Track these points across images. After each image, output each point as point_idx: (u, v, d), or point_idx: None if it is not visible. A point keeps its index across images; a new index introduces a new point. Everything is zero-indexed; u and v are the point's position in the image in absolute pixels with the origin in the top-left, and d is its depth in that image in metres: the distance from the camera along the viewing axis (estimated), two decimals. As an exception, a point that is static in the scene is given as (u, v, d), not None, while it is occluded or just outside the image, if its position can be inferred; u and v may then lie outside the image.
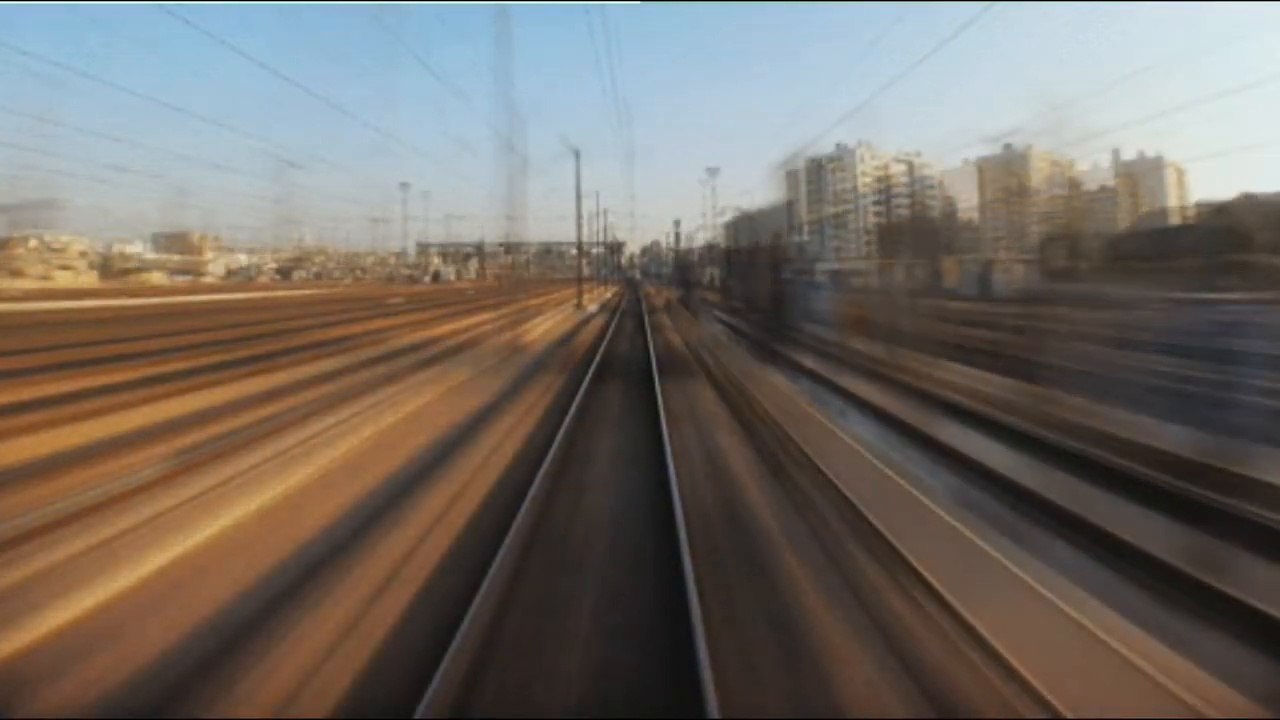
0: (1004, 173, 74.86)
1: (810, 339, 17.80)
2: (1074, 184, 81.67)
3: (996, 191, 75.81)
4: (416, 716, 2.99)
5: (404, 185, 74.69)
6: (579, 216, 35.27)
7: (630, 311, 28.45)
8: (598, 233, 62.80)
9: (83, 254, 72.09)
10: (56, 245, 69.42)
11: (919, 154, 71.62)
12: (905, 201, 71.67)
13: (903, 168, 71.41)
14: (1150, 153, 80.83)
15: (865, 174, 69.16)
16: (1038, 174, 74.60)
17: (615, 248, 73.34)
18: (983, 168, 73.55)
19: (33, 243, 67.60)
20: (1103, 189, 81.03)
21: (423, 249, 77.99)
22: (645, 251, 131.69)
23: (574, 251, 77.33)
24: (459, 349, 16.87)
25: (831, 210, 70.26)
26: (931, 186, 72.89)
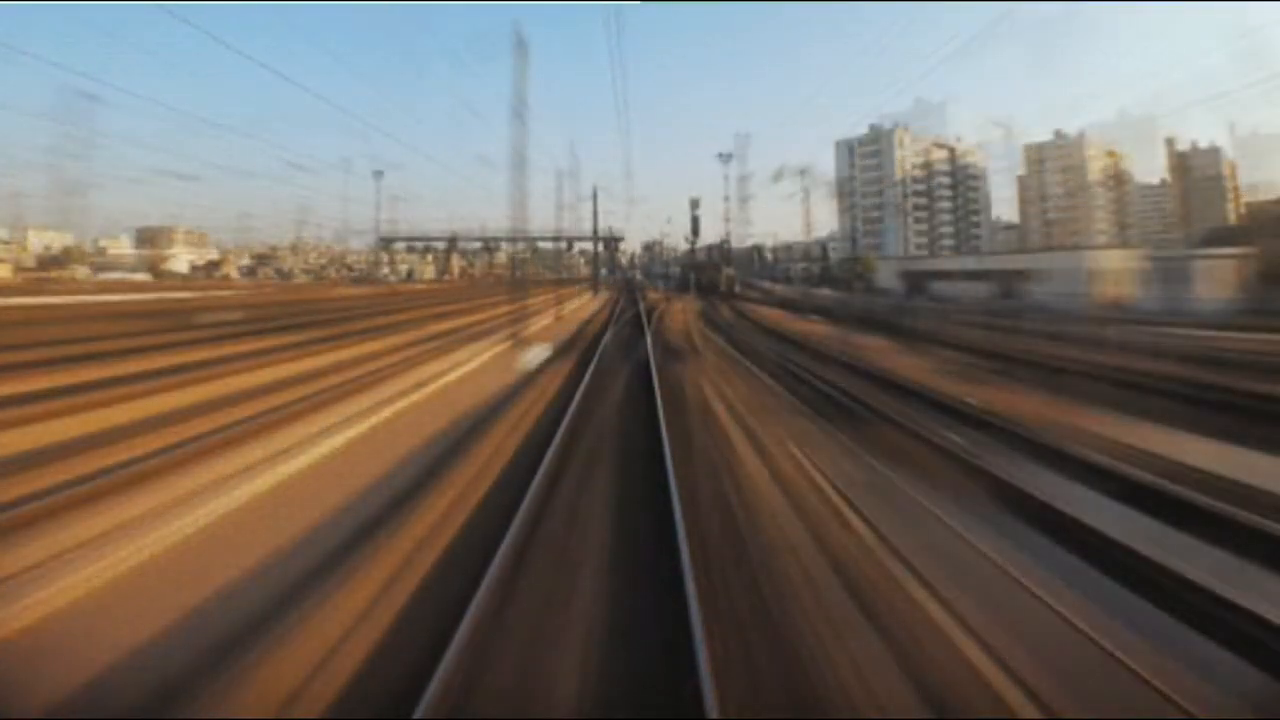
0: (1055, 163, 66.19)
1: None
2: (1123, 178, 73.17)
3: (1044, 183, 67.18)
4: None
5: (378, 173, 65.47)
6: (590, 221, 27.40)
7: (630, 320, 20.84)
8: (594, 228, 53.76)
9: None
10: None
11: (959, 139, 62.51)
12: (948, 194, 62.69)
13: (943, 154, 62.09)
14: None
15: (905, 159, 59.74)
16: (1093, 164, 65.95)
17: (612, 243, 63.80)
18: (1030, 154, 64.53)
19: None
20: (1163, 182, 72.58)
21: (386, 244, 68.54)
22: (647, 249, 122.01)
23: (569, 249, 68.46)
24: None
25: (867, 202, 61.12)
26: (975, 177, 63.76)
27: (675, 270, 68.15)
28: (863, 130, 60.82)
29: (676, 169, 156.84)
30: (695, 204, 57.86)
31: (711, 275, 53.74)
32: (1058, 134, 64.10)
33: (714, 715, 2.74)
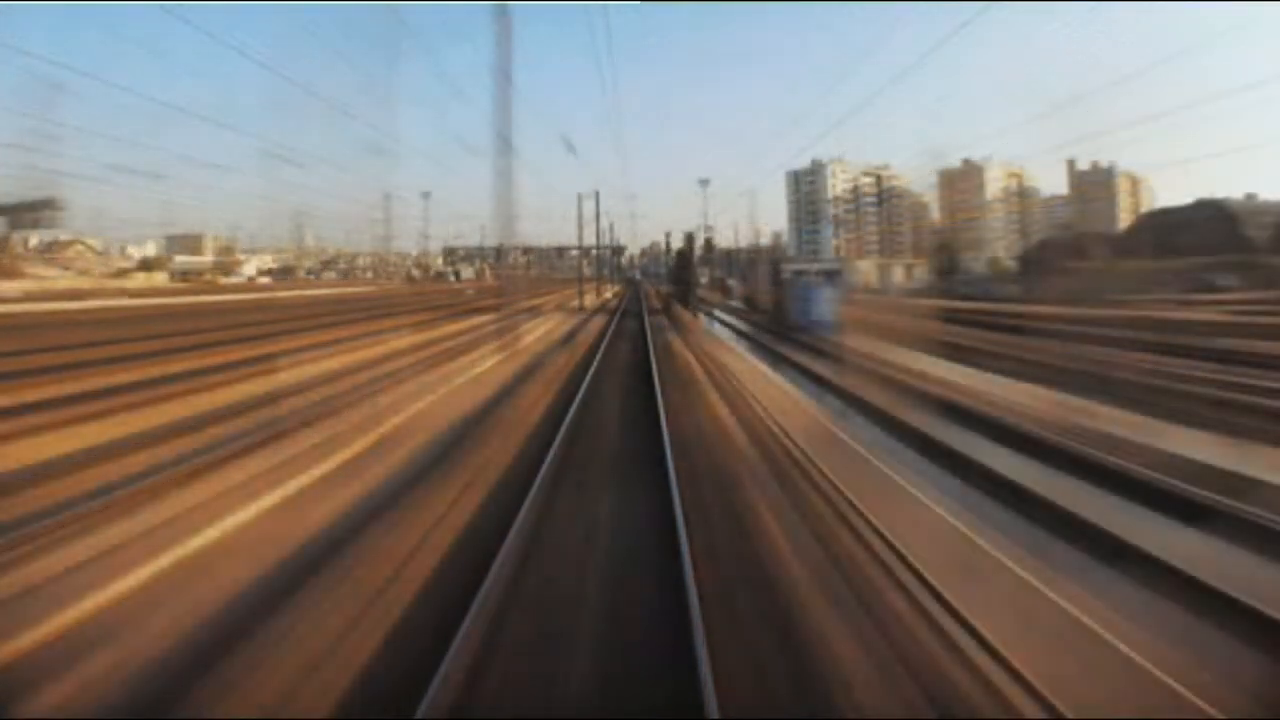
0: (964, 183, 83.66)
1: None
2: (1027, 193, 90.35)
3: (957, 200, 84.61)
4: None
5: (425, 194, 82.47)
6: (598, 235, 43.52)
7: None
8: (600, 234, 70.94)
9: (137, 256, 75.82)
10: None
11: (887, 166, 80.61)
12: (873, 209, 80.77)
13: (871, 180, 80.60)
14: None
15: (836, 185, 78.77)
16: (994, 184, 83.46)
17: (618, 250, 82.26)
18: (942, 178, 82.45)
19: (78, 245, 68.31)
20: (1055, 196, 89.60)
21: (449, 251, 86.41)
22: (645, 252, 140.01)
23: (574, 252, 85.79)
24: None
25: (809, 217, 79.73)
26: (899, 196, 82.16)
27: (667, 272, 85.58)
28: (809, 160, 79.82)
29: (673, 173, 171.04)
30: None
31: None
32: (965, 161, 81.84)
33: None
